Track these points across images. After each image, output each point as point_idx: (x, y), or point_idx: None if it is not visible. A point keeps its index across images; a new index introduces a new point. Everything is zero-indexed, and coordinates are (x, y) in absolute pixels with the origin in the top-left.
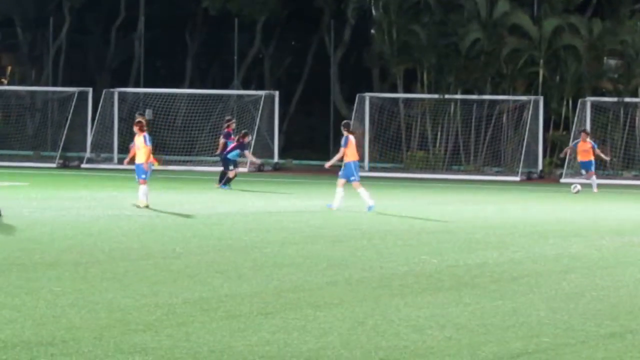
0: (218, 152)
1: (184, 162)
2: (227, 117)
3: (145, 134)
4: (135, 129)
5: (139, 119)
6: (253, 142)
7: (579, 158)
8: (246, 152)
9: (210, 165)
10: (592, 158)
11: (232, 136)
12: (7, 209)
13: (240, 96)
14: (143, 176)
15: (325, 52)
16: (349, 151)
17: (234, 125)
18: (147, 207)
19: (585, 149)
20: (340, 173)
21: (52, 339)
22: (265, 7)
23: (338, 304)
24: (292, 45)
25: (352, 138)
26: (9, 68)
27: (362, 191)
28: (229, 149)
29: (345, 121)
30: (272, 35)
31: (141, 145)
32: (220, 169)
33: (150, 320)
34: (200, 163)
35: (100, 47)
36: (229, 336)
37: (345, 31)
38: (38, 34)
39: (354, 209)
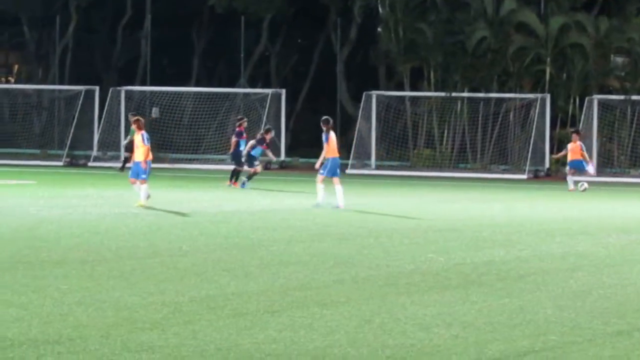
0: (231, 151)
1: (191, 160)
2: (239, 117)
3: (144, 132)
4: (134, 127)
5: (136, 117)
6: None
7: (570, 157)
8: (251, 141)
9: (217, 164)
10: (581, 158)
11: (244, 135)
12: (14, 208)
13: (246, 94)
14: (143, 176)
15: (332, 50)
16: (329, 147)
17: (245, 124)
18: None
19: (573, 148)
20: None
21: (59, 337)
22: (272, 5)
23: (345, 302)
24: (298, 43)
25: (332, 134)
26: (16, 66)
27: (320, 187)
28: (249, 146)
29: (324, 117)
30: (279, 33)
31: (139, 144)
32: (232, 167)
33: (157, 319)
34: (206, 161)
35: (107, 45)
36: (235, 334)
37: (351, 29)
38: (45, 32)
39: (360, 207)
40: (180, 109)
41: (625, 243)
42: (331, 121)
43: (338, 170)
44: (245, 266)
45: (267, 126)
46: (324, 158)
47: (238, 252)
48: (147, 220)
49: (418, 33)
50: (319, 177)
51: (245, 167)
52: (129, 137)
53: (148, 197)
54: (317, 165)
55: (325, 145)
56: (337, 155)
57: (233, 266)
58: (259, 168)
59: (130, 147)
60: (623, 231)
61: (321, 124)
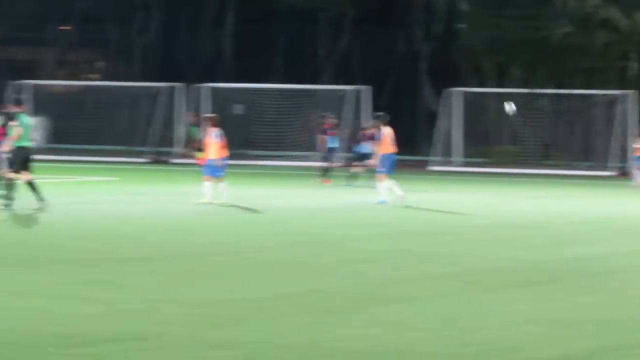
0: (321, 147)
1: (274, 157)
2: (323, 114)
3: (215, 129)
4: (208, 124)
5: (209, 115)
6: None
7: (638, 153)
8: (363, 142)
9: (299, 161)
10: None
11: (332, 131)
12: (98, 204)
13: (328, 91)
14: (220, 173)
15: (415, 46)
16: (383, 144)
17: (332, 121)
18: (209, 203)
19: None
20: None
21: (143, 333)
22: (354, 2)
23: (428, 299)
24: (380, 40)
25: (386, 130)
26: (100, 64)
27: (382, 185)
28: (368, 144)
29: (375, 114)
30: (361, 30)
31: (212, 141)
32: (319, 163)
33: (240, 315)
34: (288, 158)
35: (190, 42)
36: (318, 331)
37: (434, 25)
38: (128, 29)
39: (443, 203)
40: (262, 105)
41: None
42: (384, 117)
43: (393, 169)
44: (327, 263)
45: (377, 120)
46: (379, 155)
47: (320, 249)
48: (228, 217)
49: (501, 29)
50: (380, 175)
51: (337, 163)
52: (193, 136)
53: (218, 196)
54: (373, 162)
55: (379, 143)
56: (392, 151)
57: (315, 262)
58: (359, 169)
59: (199, 146)
60: None
61: (374, 121)
